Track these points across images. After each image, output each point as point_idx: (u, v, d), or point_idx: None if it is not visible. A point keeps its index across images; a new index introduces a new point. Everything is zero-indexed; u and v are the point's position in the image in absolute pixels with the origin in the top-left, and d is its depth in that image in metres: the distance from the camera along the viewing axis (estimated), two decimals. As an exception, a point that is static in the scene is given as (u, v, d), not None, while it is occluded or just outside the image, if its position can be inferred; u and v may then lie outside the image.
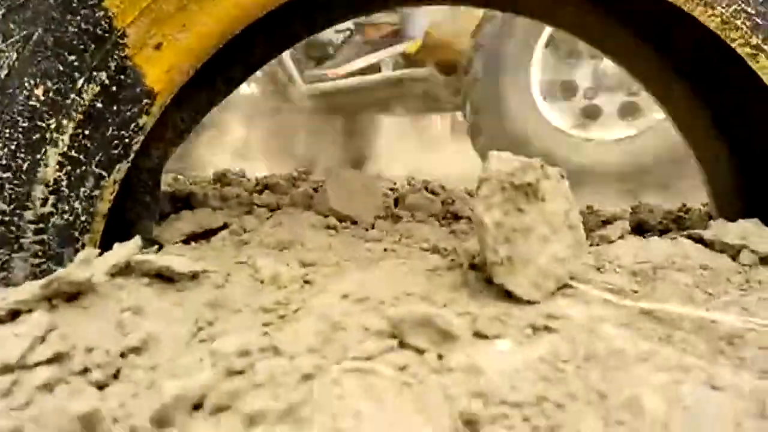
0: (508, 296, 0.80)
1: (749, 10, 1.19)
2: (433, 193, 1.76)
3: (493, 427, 0.51)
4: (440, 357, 0.62)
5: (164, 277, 0.91)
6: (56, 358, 0.71)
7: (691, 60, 1.63)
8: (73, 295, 0.82)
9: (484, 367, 0.62)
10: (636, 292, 0.91)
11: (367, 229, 1.26)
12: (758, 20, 1.19)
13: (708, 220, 1.76)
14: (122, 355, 0.75)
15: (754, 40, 1.20)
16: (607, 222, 1.79)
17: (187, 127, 1.42)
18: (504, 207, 0.79)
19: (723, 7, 1.18)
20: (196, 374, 0.53)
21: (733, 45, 1.22)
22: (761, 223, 1.24)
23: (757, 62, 1.21)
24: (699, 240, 1.14)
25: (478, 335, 0.70)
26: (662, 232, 1.69)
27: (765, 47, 1.20)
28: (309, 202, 1.44)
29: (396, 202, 1.66)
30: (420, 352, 0.62)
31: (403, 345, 0.63)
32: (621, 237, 1.20)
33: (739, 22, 1.19)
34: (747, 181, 1.68)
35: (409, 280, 0.84)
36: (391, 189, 1.79)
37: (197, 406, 0.51)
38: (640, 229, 1.74)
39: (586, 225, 1.72)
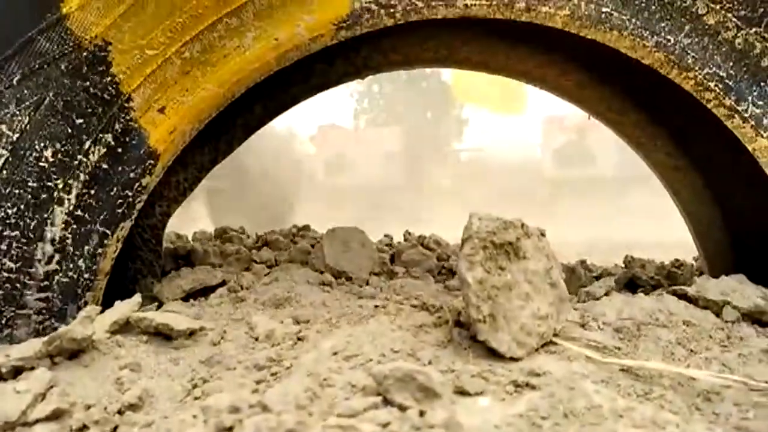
0: (492, 353, 0.83)
1: (721, 73, 1.26)
2: (428, 248, 1.80)
3: (468, 482, 0.53)
4: (422, 414, 0.65)
5: (162, 335, 0.95)
6: (56, 415, 0.74)
7: (677, 120, 1.70)
8: (75, 352, 0.85)
9: (464, 423, 0.64)
10: (619, 348, 0.94)
11: (361, 286, 1.30)
12: (730, 83, 1.25)
13: (700, 275, 1.79)
14: (119, 412, 0.78)
15: (727, 102, 1.26)
16: (599, 277, 1.82)
17: (190, 185, 1.48)
18: (486, 265, 0.83)
19: (696, 71, 1.25)
20: (188, 430, 0.56)
21: (708, 106, 1.28)
22: (746, 279, 1.27)
23: (732, 122, 1.27)
24: (683, 296, 1.17)
25: (461, 392, 0.73)
26: (654, 287, 1.72)
27: (738, 108, 1.26)
28: (306, 258, 1.48)
29: (392, 258, 1.70)
30: (403, 408, 0.65)
31: (386, 401, 0.66)
32: (607, 294, 1.23)
33: (712, 85, 1.26)
34: (735, 237, 1.72)
35: (396, 336, 0.87)
36: (388, 245, 1.83)
37: (187, 462, 0.53)
38: (632, 284, 1.77)
39: (578, 279, 1.75)
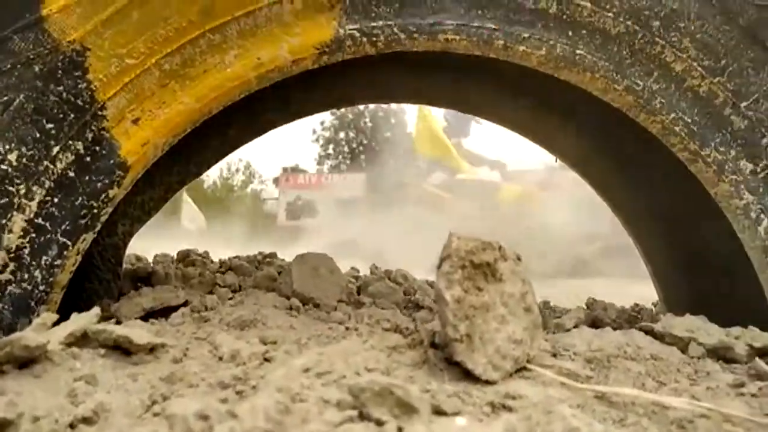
0: (467, 375, 0.81)
1: (686, 118, 1.31)
2: (395, 282, 1.79)
3: (451, 494, 0.51)
4: (400, 430, 0.62)
5: (121, 349, 0.90)
6: (1, 427, 0.68)
7: (640, 165, 1.76)
8: (25, 361, 0.79)
9: (443, 440, 0.62)
10: (591, 377, 0.93)
11: (329, 312, 1.27)
12: (694, 128, 1.30)
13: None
14: (71, 425, 0.72)
15: (692, 146, 1.31)
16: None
17: (155, 205, 1.44)
18: (464, 284, 0.82)
19: (663, 115, 1.30)
20: (152, 436, 0.52)
21: (673, 150, 1.33)
22: (707, 320, 1.30)
23: (696, 167, 1.31)
24: (650, 332, 1.19)
25: (438, 411, 0.70)
26: (616, 329, 1.73)
27: (702, 153, 1.31)
28: (272, 284, 1.45)
29: (359, 289, 1.68)
30: (380, 424, 0.63)
31: (362, 416, 0.63)
32: (576, 326, 1.23)
33: (677, 129, 1.30)
34: (695, 284, 1.76)
35: (370, 356, 0.84)
36: (355, 277, 1.81)
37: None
38: (594, 325, 1.78)
39: (543, 318, 1.76)
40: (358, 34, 1.20)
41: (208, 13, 1.09)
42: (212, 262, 1.69)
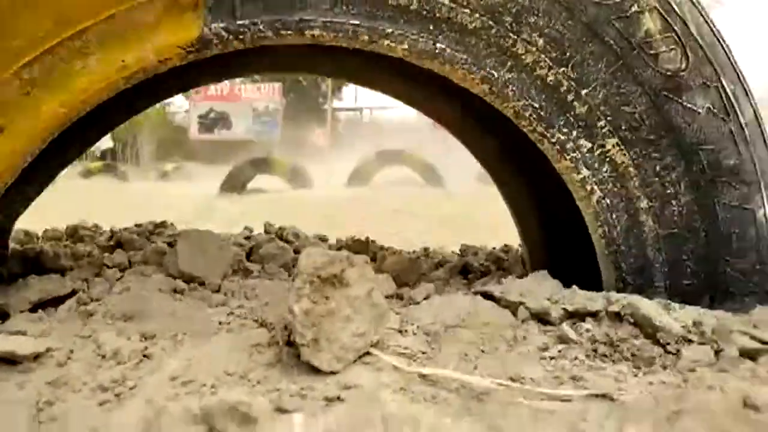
0: (315, 370, 0.98)
1: (535, 104, 1.46)
2: (286, 241, 1.92)
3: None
4: (242, 439, 0.78)
5: (6, 360, 0.99)
6: None
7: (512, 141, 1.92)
8: None
9: (278, 443, 0.78)
10: (424, 353, 1.12)
11: (214, 291, 1.39)
12: (542, 113, 1.47)
13: (522, 263, 2.08)
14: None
15: (539, 128, 1.48)
16: (439, 264, 2.04)
17: (37, 191, 1.47)
18: (312, 296, 0.97)
19: (515, 101, 1.45)
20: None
21: (525, 131, 1.49)
22: (548, 276, 1.52)
23: (543, 146, 1.49)
24: (491, 297, 1.39)
25: (280, 410, 0.87)
26: (483, 274, 1.97)
27: (547, 134, 1.48)
28: (161, 259, 1.54)
29: (250, 252, 1.80)
30: (225, 435, 0.78)
31: (212, 431, 0.79)
32: (426, 298, 1.42)
33: (527, 114, 1.46)
34: (551, 235, 2.00)
35: (232, 358, 0.99)
36: (247, 237, 1.93)
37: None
38: (465, 270, 2.01)
39: (419, 268, 1.94)
40: (224, 33, 1.25)
41: (63, 23, 1.10)
42: (101, 234, 1.75)
